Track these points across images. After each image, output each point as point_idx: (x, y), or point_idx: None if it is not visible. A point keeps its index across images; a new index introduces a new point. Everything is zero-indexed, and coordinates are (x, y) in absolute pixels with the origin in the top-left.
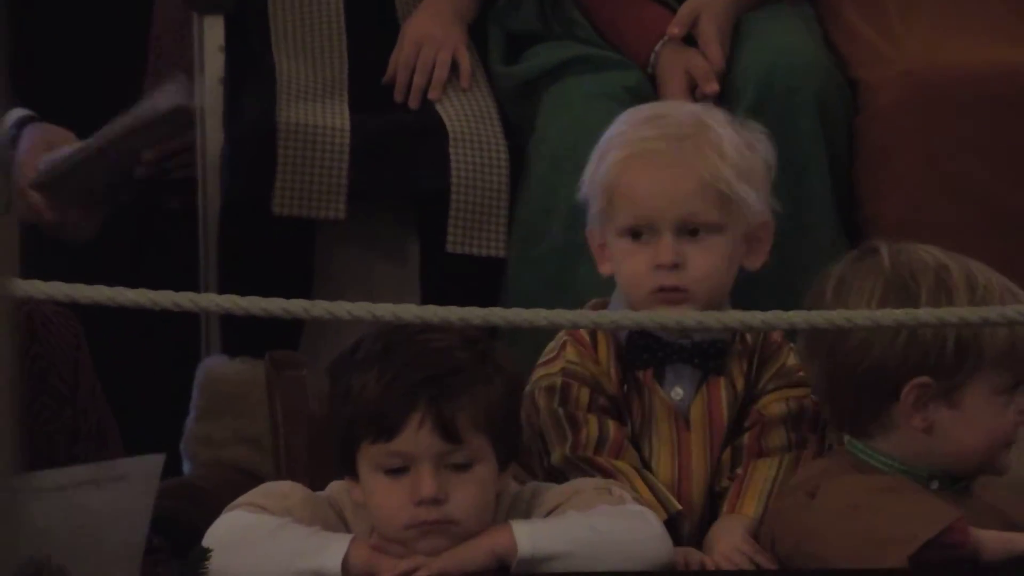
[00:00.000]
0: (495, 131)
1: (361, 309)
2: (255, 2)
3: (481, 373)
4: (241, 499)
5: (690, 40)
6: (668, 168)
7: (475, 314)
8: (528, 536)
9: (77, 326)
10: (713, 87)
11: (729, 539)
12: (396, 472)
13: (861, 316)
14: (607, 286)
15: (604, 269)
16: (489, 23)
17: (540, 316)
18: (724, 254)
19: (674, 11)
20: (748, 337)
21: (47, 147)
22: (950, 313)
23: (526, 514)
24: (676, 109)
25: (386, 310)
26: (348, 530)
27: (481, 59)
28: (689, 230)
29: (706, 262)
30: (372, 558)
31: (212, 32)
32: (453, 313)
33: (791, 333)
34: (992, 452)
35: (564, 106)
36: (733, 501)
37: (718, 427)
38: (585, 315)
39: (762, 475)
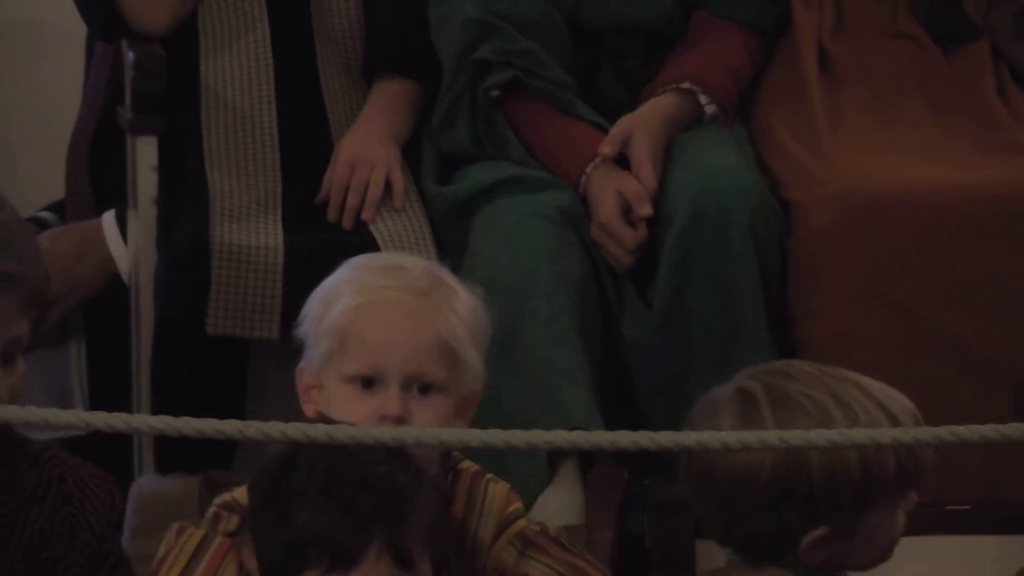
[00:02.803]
0: (428, 251)
1: (295, 430)
2: (188, 121)
3: (422, 494)
4: None
5: (622, 161)
6: (407, 320)
7: (408, 434)
8: None
9: None
10: (646, 209)
11: None
12: None
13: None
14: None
15: (308, 410)
16: (423, 143)
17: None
18: (445, 414)
19: (606, 131)
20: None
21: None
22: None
23: None
24: (412, 262)
25: (320, 431)
26: None
27: (415, 179)
28: (420, 386)
29: (429, 421)
30: None
31: (145, 152)
32: (386, 434)
33: None
34: (887, 554)
35: (497, 227)
36: None
37: None
38: (518, 435)
39: None
